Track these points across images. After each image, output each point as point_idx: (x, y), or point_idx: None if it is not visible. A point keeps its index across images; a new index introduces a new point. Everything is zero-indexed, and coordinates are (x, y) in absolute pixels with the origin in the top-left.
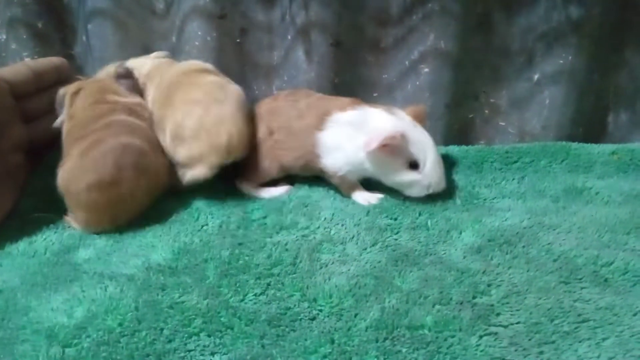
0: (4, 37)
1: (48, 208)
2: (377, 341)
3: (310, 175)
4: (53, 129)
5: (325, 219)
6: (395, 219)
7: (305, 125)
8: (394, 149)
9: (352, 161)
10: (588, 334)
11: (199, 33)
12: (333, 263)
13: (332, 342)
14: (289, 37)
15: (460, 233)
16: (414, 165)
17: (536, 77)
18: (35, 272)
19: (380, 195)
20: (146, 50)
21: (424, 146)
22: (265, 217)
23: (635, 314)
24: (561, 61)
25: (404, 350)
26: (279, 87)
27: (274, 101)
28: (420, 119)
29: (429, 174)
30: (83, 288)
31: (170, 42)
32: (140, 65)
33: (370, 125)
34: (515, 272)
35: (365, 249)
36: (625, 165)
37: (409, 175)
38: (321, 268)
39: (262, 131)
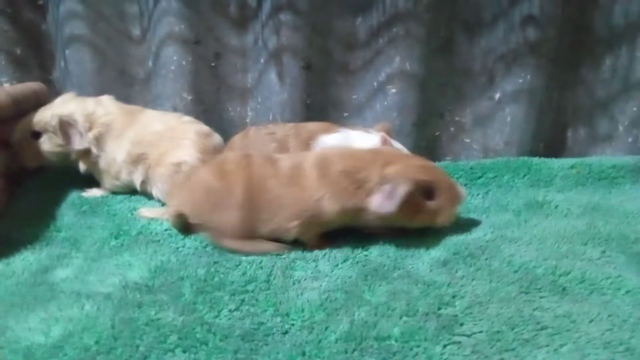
0: None
1: (27, 231)
2: (346, 352)
3: None
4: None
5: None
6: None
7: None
8: None
9: None
10: (547, 341)
11: (175, 58)
12: (305, 279)
13: (304, 354)
14: (262, 60)
15: (427, 247)
16: None
17: (497, 96)
18: (13, 293)
19: None
20: (123, 75)
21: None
22: None
23: (591, 321)
24: (520, 80)
25: None
26: (253, 108)
27: (246, 137)
28: (388, 134)
29: None
30: (60, 307)
31: (147, 67)
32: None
33: (355, 145)
34: (478, 284)
35: (337, 265)
36: (584, 179)
37: None
38: (294, 284)
39: None
